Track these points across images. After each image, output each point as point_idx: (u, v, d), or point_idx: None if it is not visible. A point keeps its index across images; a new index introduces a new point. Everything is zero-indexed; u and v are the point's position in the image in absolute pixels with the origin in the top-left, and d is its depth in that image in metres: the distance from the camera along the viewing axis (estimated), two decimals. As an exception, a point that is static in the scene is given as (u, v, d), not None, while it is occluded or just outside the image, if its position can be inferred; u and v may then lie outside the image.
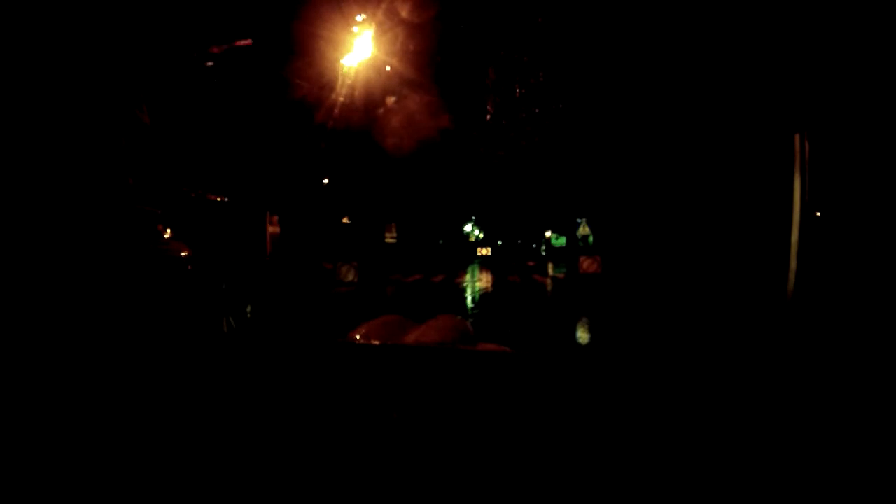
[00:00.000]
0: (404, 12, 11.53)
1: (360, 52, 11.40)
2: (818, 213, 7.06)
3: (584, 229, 17.24)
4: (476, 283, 13.21)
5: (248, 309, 7.60)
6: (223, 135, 13.45)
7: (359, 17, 10.83)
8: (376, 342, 1.21)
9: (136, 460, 0.57)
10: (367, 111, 15.73)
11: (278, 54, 12.89)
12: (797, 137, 6.83)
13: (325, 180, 20.36)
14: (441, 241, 37.22)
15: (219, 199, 15.11)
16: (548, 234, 35.69)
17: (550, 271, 16.08)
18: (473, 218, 41.06)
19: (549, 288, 11.84)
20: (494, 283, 13.40)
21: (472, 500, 0.51)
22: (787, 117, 7.10)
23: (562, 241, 31.12)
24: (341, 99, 13.73)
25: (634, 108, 13.14)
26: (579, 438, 0.61)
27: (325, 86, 13.16)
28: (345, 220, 23.44)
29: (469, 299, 9.62)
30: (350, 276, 12.13)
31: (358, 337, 1.22)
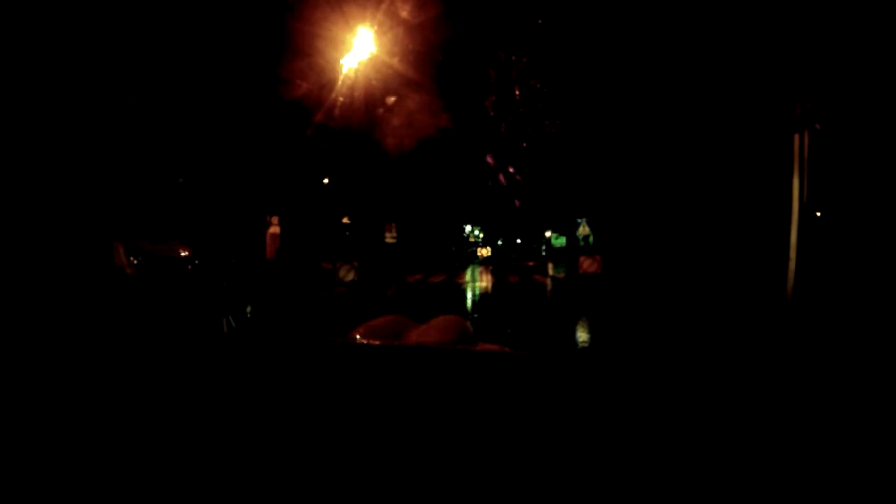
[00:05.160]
0: (404, 12, 11.51)
1: (360, 52, 11.39)
2: (818, 213, 7.06)
3: (584, 229, 17.22)
4: (476, 284, 13.21)
5: (248, 309, 7.61)
6: (224, 135, 13.45)
7: (359, 17, 10.84)
8: (376, 342, 1.21)
9: (135, 460, 0.57)
10: (367, 111, 15.72)
11: (278, 54, 12.89)
12: (797, 137, 6.83)
13: (325, 180, 20.35)
14: (441, 241, 37.20)
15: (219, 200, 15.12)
16: (548, 234, 35.65)
17: (550, 271, 16.07)
18: (473, 218, 41.11)
19: (549, 288, 11.84)
20: (494, 283, 13.40)
21: (473, 500, 0.51)
22: (787, 117, 7.10)
23: (562, 241, 31.06)
24: (341, 99, 13.72)
25: (634, 108, 13.15)
26: (579, 439, 0.61)
27: (325, 86, 13.15)
28: (345, 220, 23.43)
29: (469, 299, 9.62)
30: (350, 276, 12.14)
31: (358, 337, 1.22)
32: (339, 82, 12.77)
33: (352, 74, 12.27)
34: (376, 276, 14.24)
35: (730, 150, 10.39)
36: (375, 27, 11.23)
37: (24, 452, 0.58)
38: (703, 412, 0.67)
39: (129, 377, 0.81)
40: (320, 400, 0.73)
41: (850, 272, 6.88)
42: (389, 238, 21.58)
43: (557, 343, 4.89)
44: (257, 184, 15.83)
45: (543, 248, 35.49)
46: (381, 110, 16.49)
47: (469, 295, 10.44)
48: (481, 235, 43.44)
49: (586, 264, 13.89)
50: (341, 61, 11.75)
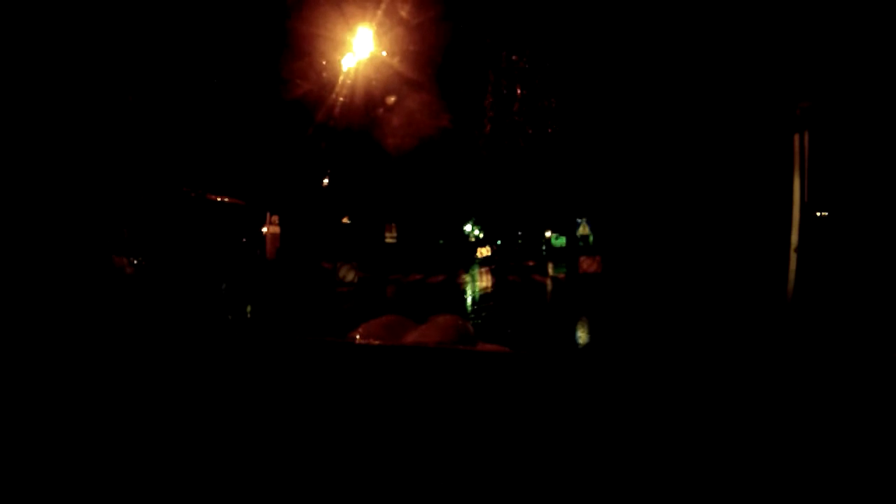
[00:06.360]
0: (404, 12, 11.51)
1: (360, 52, 11.40)
2: (818, 213, 7.06)
3: (584, 229, 17.22)
4: (476, 283, 13.22)
5: (248, 309, 7.60)
6: (223, 135, 13.46)
7: (359, 17, 10.84)
8: (376, 342, 1.21)
9: (135, 459, 0.57)
10: (367, 111, 15.72)
11: (278, 54, 12.89)
12: (797, 137, 6.82)
13: (325, 180, 20.35)
14: (441, 241, 37.21)
15: (219, 199, 15.12)
16: (548, 234, 35.65)
17: (550, 271, 16.08)
18: (474, 218, 41.11)
19: (549, 288, 11.84)
20: (495, 283, 13.40)
21: (473, 500, 0.51)
22: (787, 117, 7.09)
23: (562, 241, 31.07)
24: (341, 99, 13.71)
25: (634, 107, 13.15)
26: (579, 439, 0.61)
27: (325, 86, 13.15)
28: (345, 220, 23.43)
29: (469, 299, 9.62)
30: (350, 276, 12.13)
31: (358, 337, 1.22)
32: (339, 82, 12.78)
33: (352, 74, 12.28)
34: (376, 276, 14.24)
35: (730, 150, 10.38)
36: (375, 27, 11.24)
37: (25, 451, 0.58)
38: (702, 412, 0.67)
39: (128, 376, 0.81)
40: (320, 400, 0.73)
41: (851, 272, 6.88)
42: (389, 238, 21.54)
43: (557, 343, 4.89)
44: (258, 184, 15.84)
45: (543, 248, 35.50)
46: (381, 110, 16.49)
47: (469, 295, 10.44)
48: (481, 235, 43.43)
49: (586, 264, 13.90)
50: (341, 61, 11.76)
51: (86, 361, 0.87)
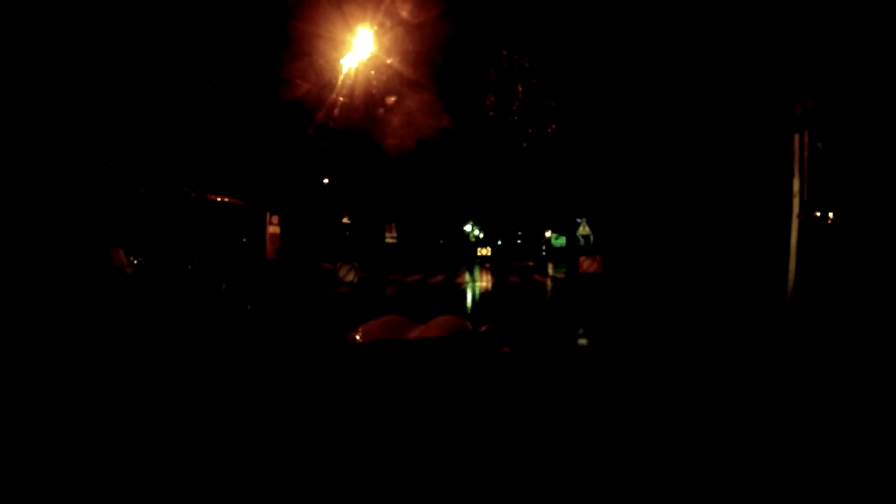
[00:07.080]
0: (404, 12, 11.51)
1: (360, 52, 11.40)
2: (818, 213, 7.06)
3: (584, 229, 17.20)
4: (476, 283, 13.22)
5: (248, 309, 7.60)
6: (224, 135, 13.46)
7: (359, 17, 10.85)
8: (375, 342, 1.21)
9: (138, 457, 0.57)
10: (367, 111, 15.74)
11: (279, 54, 12.90)
12: (797, 137, 6.83)
13: (325, 180, 20.36)
14: (441, 241, 37.23)
15: (219, 199, 15.13)
16: (548, 234, 35.61)
17: (550, 271, 16.08)
18: (473, 218, 41.10)
19: (549, 288, 11.84)
20: (495, 283, 13.41)
21: (473, 496, 0.51)
22: (787, 117, 7.09)
23: (562, 241, 31.02)
24: (341, 99, 13.72)
25: (635, 107, 13.15)
26: (579, 437, 0.61)
27: (325, 86, 13.15)
28: (345, 220, 23.44)
29: (469, 299, 9.62)
30: (350, 276, 12.12)
31: (358, 337, 1.22)
32: (339, 82, 12.78)
33: (352, 74, 12.28)
34: (376, 276, 14.24)
35: (730, 151, 10.39)
36: (375, 27, 11.24)
37: (25, 449, 0.58)
38: (702, 412, 0.67)
39: (129, 375, 0.81)
40: (321, 398, 0.73)
41: (850, 273, 6.88)
42: (389, 238, 21.56)
43: (557, 343, 4.89)
44: (258, 184, 15.85)
45: (543, 248, 35.47)
46: (381, 110, 16.50)
47: (469, 295, 10.44)
48: (481, 235, 43.43)
49: (586, 264, 13.91)
50: (341, 61, 11.76)
51: (86, 360, 0.87)
